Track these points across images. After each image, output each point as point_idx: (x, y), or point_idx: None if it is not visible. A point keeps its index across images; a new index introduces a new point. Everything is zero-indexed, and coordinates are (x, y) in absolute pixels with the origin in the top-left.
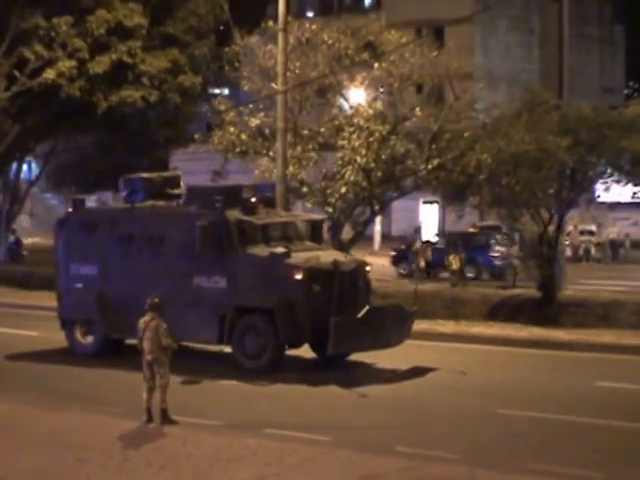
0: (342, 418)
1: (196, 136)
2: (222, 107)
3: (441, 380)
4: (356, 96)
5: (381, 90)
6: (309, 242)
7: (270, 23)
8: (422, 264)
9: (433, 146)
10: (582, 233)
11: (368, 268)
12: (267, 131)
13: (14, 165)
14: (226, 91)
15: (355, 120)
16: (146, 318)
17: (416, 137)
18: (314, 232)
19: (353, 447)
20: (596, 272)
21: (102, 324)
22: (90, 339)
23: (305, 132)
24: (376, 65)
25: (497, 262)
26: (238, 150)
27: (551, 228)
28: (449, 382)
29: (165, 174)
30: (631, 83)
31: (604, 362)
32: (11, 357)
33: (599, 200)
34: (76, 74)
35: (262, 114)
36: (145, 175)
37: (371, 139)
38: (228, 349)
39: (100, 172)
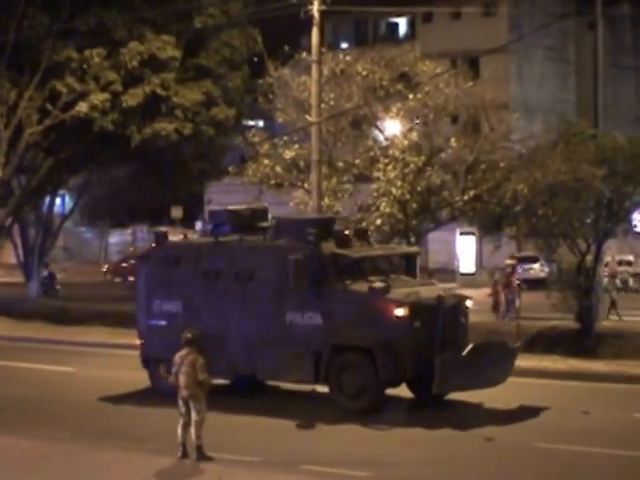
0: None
1: (230, 168)
2: (256, 139)
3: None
4: (391, 127)
5: (416, 121)
6: (404, 276)
7: (304, 54)
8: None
9: (469, 177)
10: (620, 263)
11: (469, 303)
12: (302, 163)
13: (47, 199)
14: (260, 123)
15: (390, 151)
16: (182, 352)
17: (452, 168)
18: (408, 265)
19: None
20: (634, 303)
21: None
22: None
23: (340, 164)
24: (411, 96)
25: None
26: (273, 182)
27: (589, 258)
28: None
29: (253, 206)
30: None
31: None
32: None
33: (637, 230)
34: (109, 107)
35: (296, 146)
36: (232, 207)
37: (406, 170)
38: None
39: (135, 205)
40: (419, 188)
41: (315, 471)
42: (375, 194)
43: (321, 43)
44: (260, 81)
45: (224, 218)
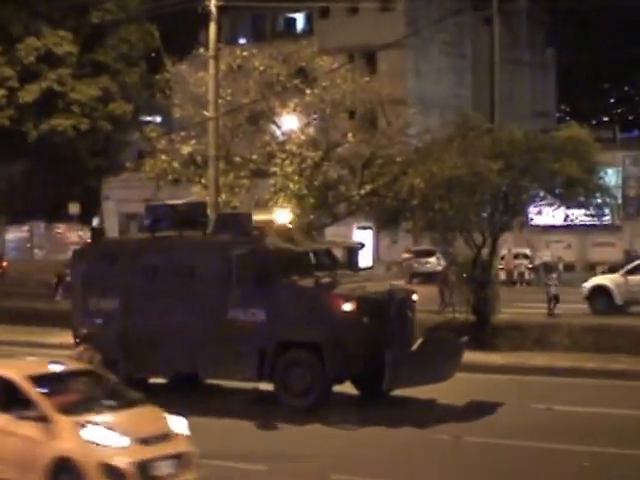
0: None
1: (128, 164)
2: (153, 135)
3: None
4: (288, 122)
5: (313, 116)
6: (347, 270)
7: (201, 50)
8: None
9: (366, 171)
10: (516, 257)
11: (415, 297)
12: (199, 159)
13: None
14: (158, 119)
15: (287, 147)
16: (80, 349)
17: (349, 163)
18: (350, 259)
19: None
20: (530, 295)
21: (125, 363)
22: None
23: (237, 159)
24: (308, 91)
25: None
26: (170, 178)
27: (485, 252)
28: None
29: (190, 201)
30: (563, 106)
31: (538, 384)
32: None
33: (533, 223)
34: (5, 103)
35: (194, 141)
36: (170, 202)
37: (303, 165)
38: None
39: (31, 202)
40: (316, 183)
41: (214, 465)
42: (272, 189)
43: (218, 39)
44: (157, 77)
45: (162, 213)
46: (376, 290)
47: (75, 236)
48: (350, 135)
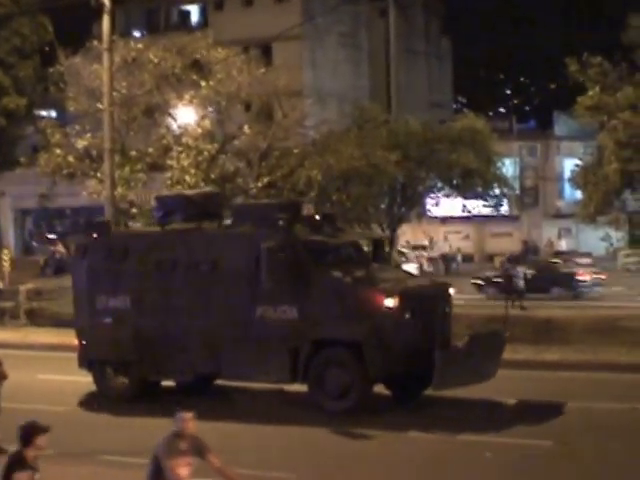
0: None
1: (22, 159)
2: (48, 129)
3: None
4: (184, 115)
5: (209, 109)
6: (375, 263)
7: (95, 43)
8: None
9: (263, 164)
10: (415, 248)
11: (452, 291)
12: (94, 152)
13: None
14: (53, 113)
15: (183, 140)
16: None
17: (245, 155)
18: (376, 251)
19: None
20: None
21: (139, 365)
22: (124, 382)
23: (133, 153)
24: (203, 84)
25: None
26: (65, 172)
27: None
28: None
29: (205, 191)
30: (459, 97)
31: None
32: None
33: (431, 215)
34: None
35: (89, 135)
36: (184, 193)
37: (200, 158)
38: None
39: None
40: (213, 176)
41: (112, 461)
42: (169, 182)
43: (112, 31)
44: (51, 70)
45: (174, 205)
46: (417, 284)
47: None
48: (246, 127)
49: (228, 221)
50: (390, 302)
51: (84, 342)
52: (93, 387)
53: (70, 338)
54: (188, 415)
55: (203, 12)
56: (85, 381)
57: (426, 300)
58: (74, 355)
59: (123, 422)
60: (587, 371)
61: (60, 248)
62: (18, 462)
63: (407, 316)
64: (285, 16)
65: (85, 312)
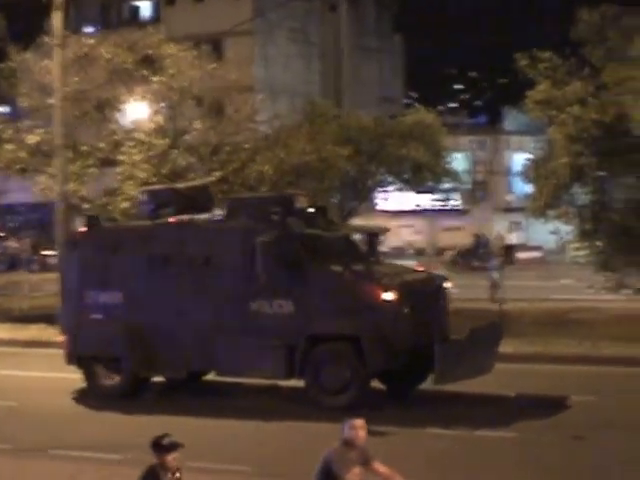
0: None
1: None
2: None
3: None
4: (136, 110)
5: (162, 104)
6: (370, 256)
7: (46, 38)
8: None
9: (214, 159)
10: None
11: (448, 285)
12: (46, 148)
13: None
14: (4, 108)
15: (135, 135)
16: None
17: (197, 150)
18: (372, 245)
19: None
20: None
21: (131, 361)
22: (115, 378)
23: (84, 148)
24: (155, 79)
25: None
26: (18, 168)
27: None
28: None
29: (197, 184)
30: (410, 93)
31: None
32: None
33: (383, 209)
34: None
35: (41, 130)
36: (174, 186)
37: (151, 153)
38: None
39: None
40: (164, 171)
41: (65, 455)
42: (120, 177)
43: (64, 26)
44: (2, 65)
45: (165, 198)
46: (414, 278)
47: None
48: (198, 122)
49: (219, 215)
50: (388, 296)
51: (73, 338)
52: (43, 382)
53: (22, 333)
54: (359, 422)
55: (155, 7)
56: (36, 376)
57: (424, 293)
58: (26, 351)
59: (74, 416)
60: (540, 363)
61: (13, 243)
62: None
63: (406, 310)
64: (236, 11)
65: (74, 307)
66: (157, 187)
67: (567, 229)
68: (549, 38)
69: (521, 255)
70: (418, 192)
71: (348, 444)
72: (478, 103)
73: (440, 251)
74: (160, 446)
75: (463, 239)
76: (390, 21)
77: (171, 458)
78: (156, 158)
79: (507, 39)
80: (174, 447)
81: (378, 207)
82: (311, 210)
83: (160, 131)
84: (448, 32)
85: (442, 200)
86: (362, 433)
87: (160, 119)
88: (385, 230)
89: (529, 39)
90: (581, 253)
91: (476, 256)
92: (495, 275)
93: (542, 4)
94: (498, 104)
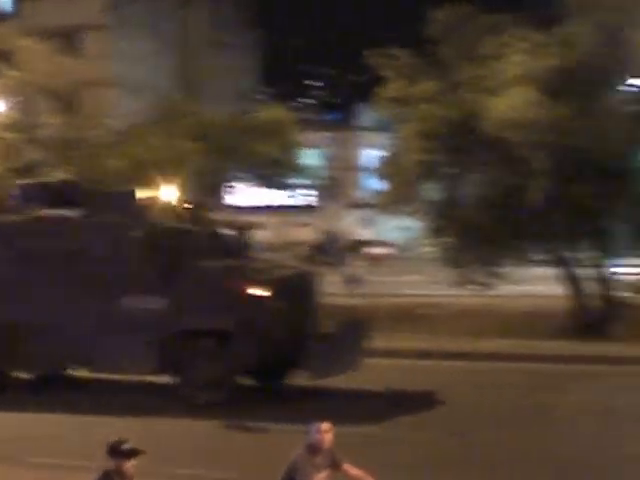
0: None
1: None
2: None
3: None
4: None
5: (16, 99)
6: (239, 252)
7: None
8: None
9: (69, 154)
10: None
11: (320, 280)
12: None
13: None
14: None
15: None
16: None
17: (51, 145)
18: (243, 240)
19: None
20: None
21: None
22: None
23: None
24: (10, 73)
25: None
26: None
27: None
28: None
29: (64, 179)
30: (266, 89)
31: None
32: None
33: (234, 204)
34: None
35: None
36: (42, 180)
37: (4, 148)
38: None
39: None
40: (17, 165)
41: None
42: None
43: None
44: None
45: (34, 192)
46: (285, 274)
47: None
48: (53, 117)
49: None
50: (260, 291)
51: None
52: None
53: None
54: (326, 426)
55: (15, 1)
56: None
57: (296, 289)
58: None
59: None
60: (390, 358)
61: None
62: None
63: (277, 305)
64: (93, 6)
65: None
66: (27, 181)
67: (417, 226)
68: (406, 36)
69: (371, 251)
70: (269, 187)
71: (313, 449)
72: (335, 100)
73: (289, 247)
74: (118, 452)
75: (311, 235)
76: (246, 17)
77: (130, 465)
78: (9, 153)
79: (365, 37)
80: (134, 454)
81: (225, 202)
82: (185, 205)
83: (13, 125)
84: (307, 29)
85: (291, 196)
86: (328, 437)
87: (13, 113)
88: (249, 226)
89: (386, 38)
90: (431, 249)
91: (325, 252)
92: (347, 271)
93: (399, 3)
94: (353, 101)
